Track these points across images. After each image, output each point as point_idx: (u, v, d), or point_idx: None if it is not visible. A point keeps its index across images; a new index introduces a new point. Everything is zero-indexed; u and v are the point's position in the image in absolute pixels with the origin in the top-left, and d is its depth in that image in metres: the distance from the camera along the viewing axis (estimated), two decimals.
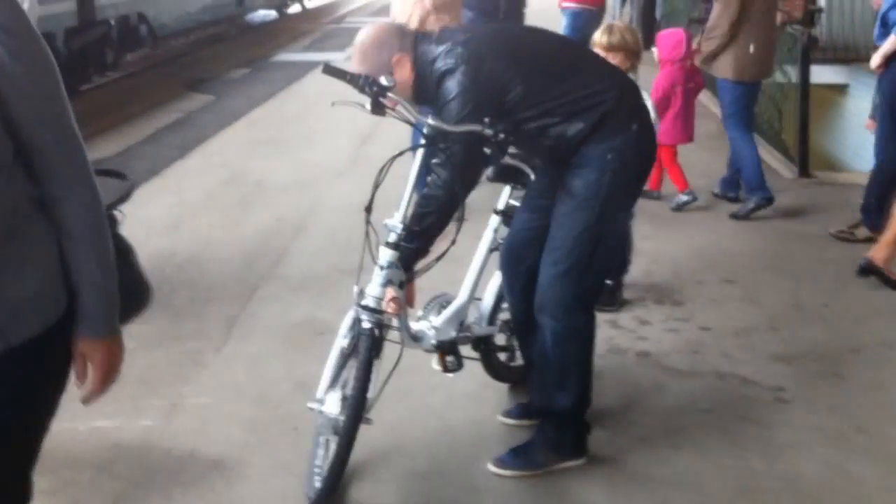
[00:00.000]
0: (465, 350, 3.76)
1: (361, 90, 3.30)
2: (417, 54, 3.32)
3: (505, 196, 3.80)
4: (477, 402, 3.94)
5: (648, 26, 13.83)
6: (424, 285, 4.77)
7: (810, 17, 9.34)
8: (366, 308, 3.27)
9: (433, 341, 3.59)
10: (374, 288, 3.29)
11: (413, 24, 6.17)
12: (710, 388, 4.08)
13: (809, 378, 4.18)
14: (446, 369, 3.59)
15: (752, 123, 6.67)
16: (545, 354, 3.40)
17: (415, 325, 3.61)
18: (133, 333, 4.52)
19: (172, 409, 3.90)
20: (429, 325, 3.63)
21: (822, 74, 9.77)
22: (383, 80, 3.21)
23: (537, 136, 3.31)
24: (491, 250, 3.76)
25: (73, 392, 3.87)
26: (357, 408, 3.15)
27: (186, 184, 7.50)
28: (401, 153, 3.39)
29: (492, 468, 3.46)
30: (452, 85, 3.20)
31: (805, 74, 7.44)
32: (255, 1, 19.78)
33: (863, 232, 5.90)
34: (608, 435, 3.66)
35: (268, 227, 6.31)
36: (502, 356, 3.99)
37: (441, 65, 3.24)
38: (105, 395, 4.03)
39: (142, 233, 6.19)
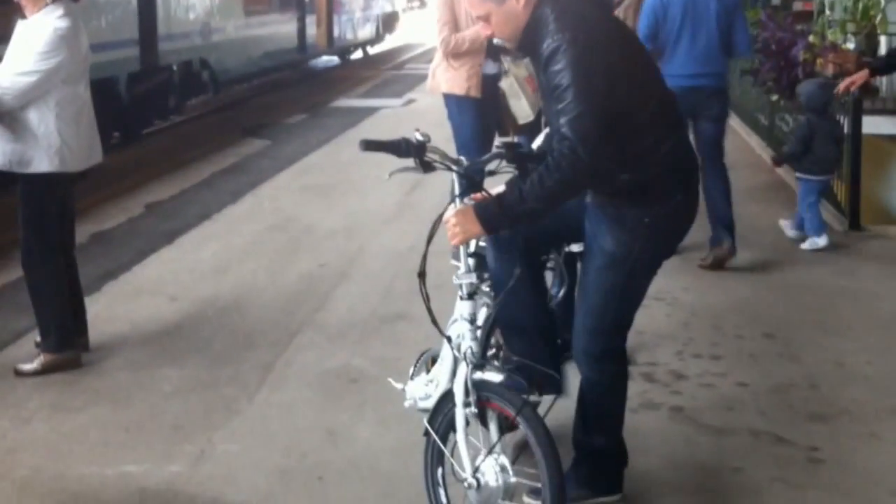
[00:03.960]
0: None
1: (405, 154, 3.23)
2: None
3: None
4: None
5: None
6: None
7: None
8: (489, 367, 3.16)
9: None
10: (473, 344, 3.19)
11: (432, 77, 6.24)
12: (744, 447, 4.01)
13: (846, 438, 4.09)
14: None
15: None
16: (583, 397, 3.50)
17: (411, 389, 3.54)
18: (170, 378, 4.67)
19: (201, 455, 3.94)
20: (425, 381, 3.51)
21: (879, 125, 9.63)
22: (417, 136, 3.21)
23: None
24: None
25: (101, 436, 3.96)
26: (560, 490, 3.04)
27: (235, 228, 7.62)
28: (449, 205, 3.25)
29: (525, 499, 3.45)
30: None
31: (857, 127, 7.32)
32: (317, 48, 20.12)
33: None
34: (638, 493, 3.61)
35: (311, 273, 6.37)
36: None
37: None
38: (137, 439, 4.07)
39: (189, 277, 6.33)
